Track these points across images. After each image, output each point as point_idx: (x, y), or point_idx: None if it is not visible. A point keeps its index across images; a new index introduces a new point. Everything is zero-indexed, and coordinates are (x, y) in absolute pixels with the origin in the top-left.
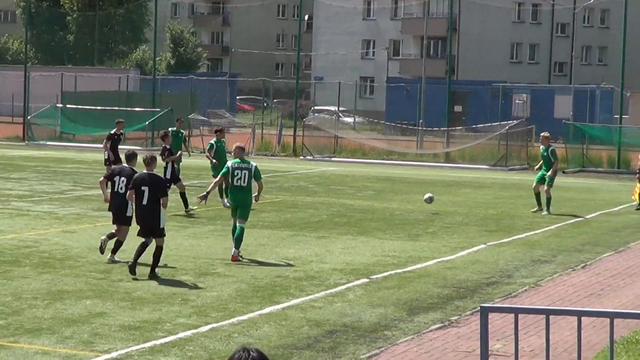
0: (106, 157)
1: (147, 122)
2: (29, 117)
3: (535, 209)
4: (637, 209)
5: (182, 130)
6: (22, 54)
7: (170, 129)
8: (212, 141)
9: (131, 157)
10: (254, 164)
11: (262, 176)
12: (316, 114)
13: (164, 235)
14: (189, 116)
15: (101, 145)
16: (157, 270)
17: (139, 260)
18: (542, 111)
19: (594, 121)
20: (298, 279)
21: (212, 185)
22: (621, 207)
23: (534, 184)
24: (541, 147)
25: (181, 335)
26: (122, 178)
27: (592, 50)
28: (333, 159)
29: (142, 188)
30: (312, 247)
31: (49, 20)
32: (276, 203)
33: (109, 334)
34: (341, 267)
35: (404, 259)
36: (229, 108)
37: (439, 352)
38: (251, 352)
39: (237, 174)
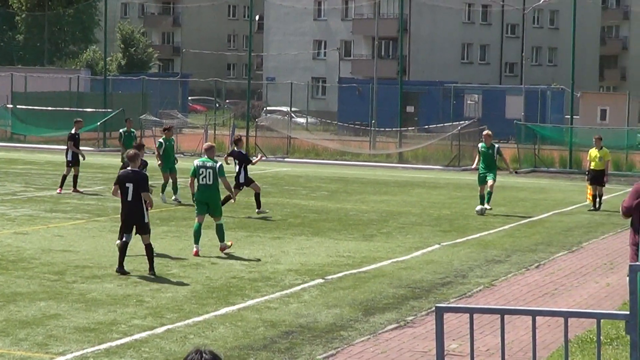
0: (69, 159)
1: (98, 123)
2: None
3: (480, 207)
4: (589, 210)
5: (133, 130)
6: None
7: (121, 130)
8: (161, 139)
9: (139, 148)
10: (219, 163)
11: (224, 174)
12: (269, 115)
13: (149, 232)
14: (141, 117)
15: (54, 147)
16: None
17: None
18: (494, 111)
19: (545, 121)
20: (253, 280)
21: (190, 187)
22: (574, 207)
23: (480, 186)
24: (481, 144)
25: (137, 336)
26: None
27: (542, 50)
28: (286, 159)
29: (127, 185)
30: (267, 247)
31: None
32: (230, 204)
33: (63, 336)
34: (296, 267)
35: (359, 259)
36: (181, 108)
37: (395, 352)
38: (204, 355)
39: (202, 172)
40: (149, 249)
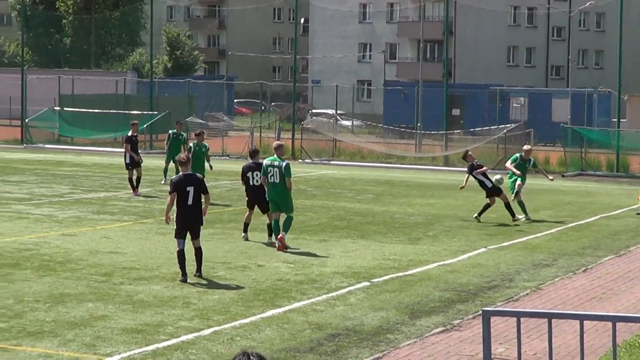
0: (128, 161)
1: (145, 126)
2: (27, 120)
3: (522, 217)
4: (637, 214)
5: (182, 133)
6: (18, 57)
7: (170, 131)
8: (192, 144)
9: (255, 153)
10: (285, 162)
11: (291, 175)
12: (314, 117)
13: (199, 236)
14: (187, 119)
15: (101, 149)
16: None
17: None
18: (540, 114)
19: (591, 125)
20: (299, 283)
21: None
22: (621, 210)
23: (513, 196)
24: (520, 155)
25: (184, 338)
26: (256, 172)
27: (589, 53)
28: (332, 162)
29: (187, 189)
30: (313, 250)
31: (45, 23)
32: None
33: (111, 337)
34: (342, 270)
35: (405, 262)
36: (226, 111)
37: (442, 355)
38: (251, 357)
39: (270, 170)
40: (199, 251)
